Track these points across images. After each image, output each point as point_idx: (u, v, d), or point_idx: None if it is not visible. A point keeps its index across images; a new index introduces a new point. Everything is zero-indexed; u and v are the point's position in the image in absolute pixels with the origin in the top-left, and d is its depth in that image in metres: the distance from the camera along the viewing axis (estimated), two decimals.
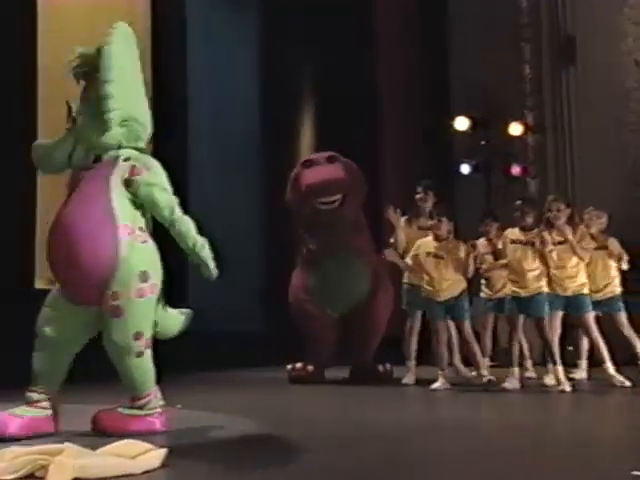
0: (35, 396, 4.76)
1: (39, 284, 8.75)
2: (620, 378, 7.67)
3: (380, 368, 8.64)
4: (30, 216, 8.96)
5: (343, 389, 8.24)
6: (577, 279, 7.85)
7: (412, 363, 8.31)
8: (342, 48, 12.03)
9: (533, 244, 7.69)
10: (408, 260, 7.95)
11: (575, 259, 7.81)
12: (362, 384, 8.29)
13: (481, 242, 8.41)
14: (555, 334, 7.87)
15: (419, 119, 12.94)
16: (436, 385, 7.63)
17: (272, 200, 11.21)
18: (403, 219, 8.55)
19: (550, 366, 7.70)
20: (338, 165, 8.85)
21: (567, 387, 7.37)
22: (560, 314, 7.93)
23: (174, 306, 5.28)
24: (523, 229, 7.77)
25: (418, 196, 8.64)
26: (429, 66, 13.05)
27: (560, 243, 7.80)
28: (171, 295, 9.17)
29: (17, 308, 7.46)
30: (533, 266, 7.68)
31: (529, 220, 7.78)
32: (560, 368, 7.54)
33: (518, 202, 8.08)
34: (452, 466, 3.96)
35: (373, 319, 8.68)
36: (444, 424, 5.67)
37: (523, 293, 7.69)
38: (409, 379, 8.20)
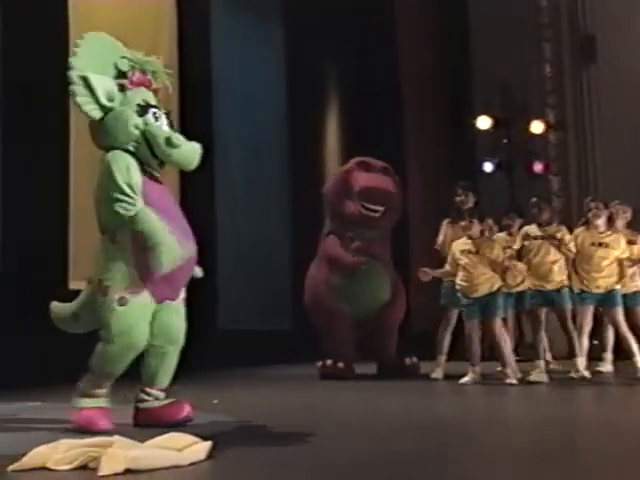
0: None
1: (73, 285, 8.79)
2: None
3: (407, 361, 8.71)
4: (64, 217, 8.95)
5: (373, 384, 8.28)
6: (610, 277, 7.99)
7: (443, 358, 8.36)
8: (365, 48, 12.06)
9: (554, 238, 7.85)
10: (447, 266, 7.98)
11: (607, 260, 7.97)
12: (390, 379, 8.36)
13: (501, 236, 8.36)
14: (586, 328, 7.97)
15: (442, 119, 12.98)
16: (465, 379, 7.68)
17: (301, 201, 11.28)
18: (446, 221, 8.59)
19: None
20: (391, 179, 9.05)
21: (587, 374, 7.64)
22: (592, 309, 8.04)
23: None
24: (540, 225, 7.96)
25: (458, 198, 8.63)
26: (451, 67, 13.07)
27: (600, 244, 8.00)
28: (204, 295, 9.30)
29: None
30: (555, 259, 7.86)
31: (546, 216, 8.01)
32: (581, 359, 7.75)
33: (534, 199, 8.24)
34: (481, 458, 4.02)
35: (390, 324, 8.89)
36: (472, 417, 5.73)
37: (548, 287, 7.88)
38: (438, 374, 8.26)
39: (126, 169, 4.87)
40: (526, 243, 7.94)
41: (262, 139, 11.78)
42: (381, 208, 8.81)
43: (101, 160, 5.00)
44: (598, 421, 5.45)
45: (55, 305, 5.32)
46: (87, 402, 4.85)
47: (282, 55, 12.33)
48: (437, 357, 8.40)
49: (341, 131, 12.54)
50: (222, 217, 10.85)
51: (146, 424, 4.86)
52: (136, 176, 4.89)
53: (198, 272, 5.38)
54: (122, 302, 4.81)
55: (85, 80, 4.93)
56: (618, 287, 8.01)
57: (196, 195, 9.88)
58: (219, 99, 10.97)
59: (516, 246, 7.99)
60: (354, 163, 9.14)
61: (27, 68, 8.40)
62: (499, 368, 8.18)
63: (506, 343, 7.77)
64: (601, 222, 8.05)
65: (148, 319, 4.92)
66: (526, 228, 8.06)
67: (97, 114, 5.00)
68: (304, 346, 9.61)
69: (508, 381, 7.52)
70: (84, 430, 4.56)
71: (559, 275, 7.89)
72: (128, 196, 4.80)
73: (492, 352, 8.51)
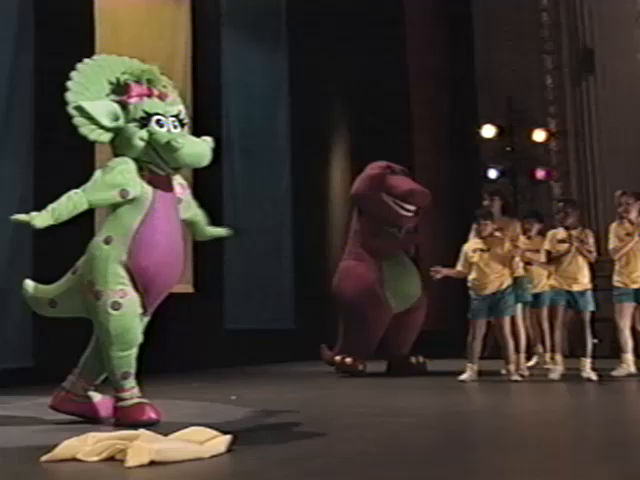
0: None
1: None
2: None
3: (413, 360, 8.69)
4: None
5: (383, 381, 8.29)
6: None
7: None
8: (373, 61, 12.03)
9: (581, 241, 7.71)
10: (459, 267, 7.89)
11: None
12: (399, 376, 8.37)
13: (522, 240, 8.25)
14: (626, 324, 7.80)
15: (448, 128, 13.01)
16: (464, 376, 7.67)
17: (303, 203, 11.28)
18: (474, 227, 8.34)
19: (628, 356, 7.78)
20: (415, 180, 8.96)
21: (593, 377, 7.46)
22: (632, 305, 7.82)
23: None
24: (567, 228, 7.80)
25: (485, 203, 8.48)
26: (457, 79, 13.10)
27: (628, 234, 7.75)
28: (211, 296, 9.25)
29: None
30: (582, 262, 7.71)
31: (571, 220, 7.82)
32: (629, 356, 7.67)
33: (560, 204, 8.10)
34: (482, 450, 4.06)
35: (421, 317, 8.79)
36: (472, 412, 5.78)
37: (575, 287, 7.70)
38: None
39: (111, 170, 4.92)
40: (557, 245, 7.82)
41: (267, 141, 11.64)
42: (415, 208, 8.69)
43: None
44: (586, 416, 5.48)
45: (30, 285, 5.16)
46: (127, 402, 4.90)
47: (287, 66, 12.10)
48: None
49: (347, 139, 12.44)
50: (228, 219, 10.74)
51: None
52: (119, 177, 4.90)
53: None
54: (116, 307, 4.84)
55: (82, 110, 4.96)
56: None
57: (204, 198, 9.88)
58: (229, 105, 10.93)
59: (546, 246, 7.82)
60: (381, 167, 8.92)
61: (55, 68, 8.32)
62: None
63: (511, 342, 7.78)
64: (633, 216, 7.74)
65: (139, 317, 4.97)
66: (553, 231, 7.88)
67: (105, 138, 5.05)
68: (308, 344, 9.65)
69: (513, 378, 7.55)
70: (132, 423, 4.55)
71: (585, 277, 7.70)
72: (85, 191, 4.86)
73: (493, 350, 8.59)
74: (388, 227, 8.74)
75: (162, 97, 5.18)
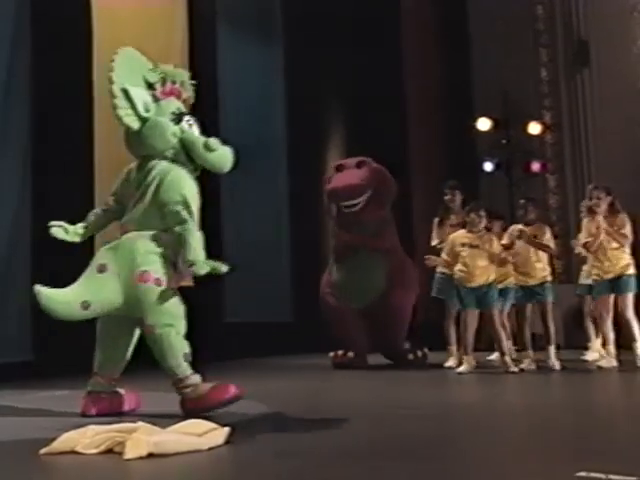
0: None
1: None
2: None
3: (410, 356, 8.66)
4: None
5: (382, 374, 8.29)
6: (620, 262, 7.69)
7: (453, 348, 8.35)
8: (368, 53, 11.98)
9: (535, 237, 7.90)
10: (444, 256, 7.95)
11: (614, 244, 7.69)
12: (398, 368, 8.37)
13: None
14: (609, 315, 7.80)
15: (444, 121, 12.98)
16: (462, 369, 7.69)
17: (300, 199, 11.27)
18: (436, 220, 8.55)
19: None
20: (365, 170, 8.72)
21: (557, 366, 7.68)
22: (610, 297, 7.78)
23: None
24: (526, 225, 7.98)
25: (446, 197, 8.58)
26: (453, 72, 13.08)
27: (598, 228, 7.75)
28: (210, 291, 9.20)
29: None
30: (537, 257, 7.96)
31: (531, 217, 8.05)
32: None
33: (521, 201, 8.29)
34: (485, 442, 4.07)
35: (393, 311, 8.59)
36: (471, 404, 5.79)
37: (531, 282, 7.96)
38: (452, 362, 8.24)
39: (192, 191, 5.10)
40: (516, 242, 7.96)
41: (264, 139, 11.61)
42: (356, 201, 8.55)
43: (151, 167, 5.12)
44: (580, 407, 5.49)
45: (52, 292, 4.74)
46: (191, 392, 4.92)
47: (282, 61, 12.04)
48: (447, 347, 8.39)
49: (343, 134, 12.40)
50: (226, 214, 10.74)
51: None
52: (197, 196, 5.12)
53: None
54: (175, 293, 5.06)
55: (126, 93, 5.01)
56: (630, 272, 7.68)
57: (201, 192, 9.87)
58: (225, 108, 10.92)
59: (504, 241, 7.95)
60: (333, 168, 9.06)
61: (52, 66, 8.29)
62: (489, 357, 8.29)
63: (503, 333, 7.82)
64: (602, 209, 7.72)
65: None
66: (512, 227, 8.09)
67: (136, 125, 5.08)
68: (306, 337, 9.66)
69: (510, 369, 7.55)
70: (205, 409, 4.73)
71: (541, 272, 7.95)
72: (191, 217, 5.00)
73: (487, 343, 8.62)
74: (351, 227, 8.64)
75: (186, 102, 5.36)
